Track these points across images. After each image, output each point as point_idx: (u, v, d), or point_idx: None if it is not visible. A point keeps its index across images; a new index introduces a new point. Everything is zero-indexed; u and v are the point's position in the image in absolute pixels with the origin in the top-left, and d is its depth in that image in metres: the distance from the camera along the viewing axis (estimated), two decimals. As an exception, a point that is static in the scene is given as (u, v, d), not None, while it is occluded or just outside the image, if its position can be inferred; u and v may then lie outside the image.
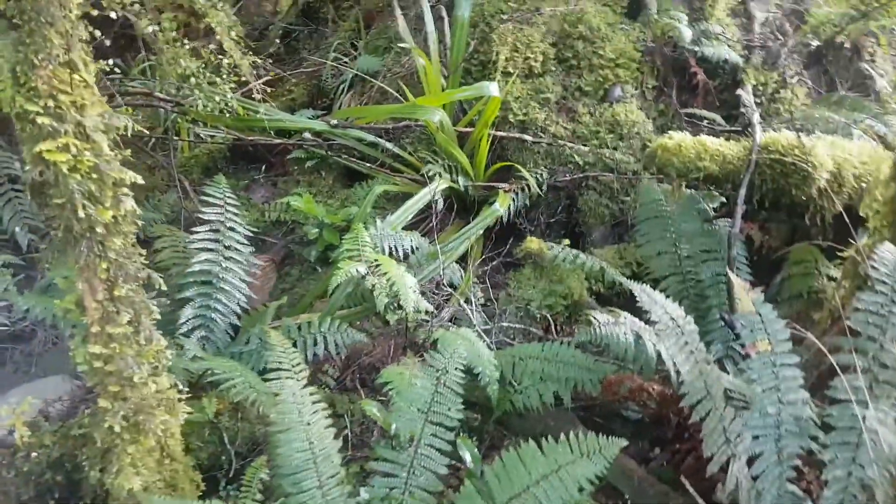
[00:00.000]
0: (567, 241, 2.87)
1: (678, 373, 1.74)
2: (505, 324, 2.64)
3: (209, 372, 2.18)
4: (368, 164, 3.27)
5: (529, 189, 2.99)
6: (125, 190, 1.36)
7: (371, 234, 2.68)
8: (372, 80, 3.34)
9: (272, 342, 1.85)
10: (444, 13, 3.43)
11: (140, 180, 1.38)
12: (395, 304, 2.60)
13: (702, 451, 1.66)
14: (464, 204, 3.15)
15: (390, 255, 2.70)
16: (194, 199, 3.39)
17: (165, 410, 1.54)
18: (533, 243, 2.76)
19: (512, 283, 2.81)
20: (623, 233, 3.04)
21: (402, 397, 1.96)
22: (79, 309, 1.42)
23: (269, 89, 3.17)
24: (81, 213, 1.28)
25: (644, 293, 1.73)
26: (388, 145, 3.22)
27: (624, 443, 1.68)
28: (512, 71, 3.19)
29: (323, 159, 3.53)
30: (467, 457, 1.97)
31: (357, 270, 2.55)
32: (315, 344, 2.40)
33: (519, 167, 2.98)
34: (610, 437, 1.66)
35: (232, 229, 2.64)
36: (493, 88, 2.77)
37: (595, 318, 1.90)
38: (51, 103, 1.24)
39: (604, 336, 1.88)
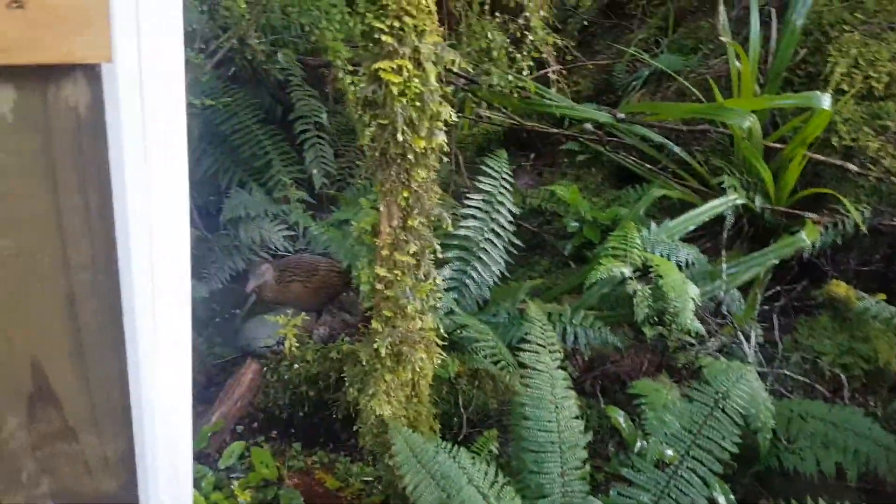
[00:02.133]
0: (882, 296, 2.36)
1: None
2: (785, 372, 2.25)
3: (458, 331, 2.18)
4: (648, 166, 3.05)
5: (844, 226, 2.52)
6: (440, 124, 1.36)
7: (642, 236, 2.48)
8: (674, 76, 3.10)
9: (532, 315, 1.76)
10: (772, 17, 3.06)
11: (455, 118, 1.37)
12: (656, 318, 2.38)
13: None
14: (754, 228, 2.78)
15: (660, 264, 2.46)
16: (464, 175, 3.49)
17: (424, 349, 1.54)
18: (839, 288, 2.32)
19: (802, 328, 2.40)
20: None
21: (661, 413, 1.76)
22: (373, 231, 1.46)
23: (562, 73, 3.12)
24: (400, 138, 1.30)
25: None
26: (677, 149, 2.96)
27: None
28: (847, 89, 2.73)
29: (596, 155, 3.39)
30: (721, 500, 1.71)
31: (620, 272, 2.37)
32: (564, 335, 2.27)
33: (840, 198, 2.52)
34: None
35: (502, 203, 2.63)
36: (824, 100, 2.37)
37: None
38: (396, 24, 1.26)
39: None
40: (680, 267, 2.48)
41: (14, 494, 1.00)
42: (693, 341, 2.32)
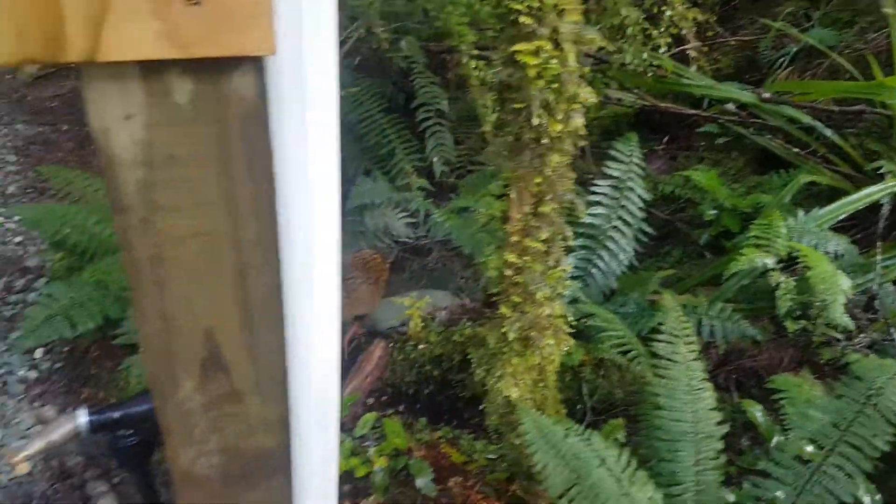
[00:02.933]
0: None
1: None
2: (949, 373, 2.03)
3: (583, 320, 2.15)
4: (795, 150, 2.83)
5: None
6: (578, 106, 1.34)
7: (788, 225, 2.32)
8: (827, 52, 2.85)
9: (666, 304, 1.70)
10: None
11: (595, 99, 1.34)
12: (799, 312, 2.23)
13: None
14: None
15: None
16: (590, 159, 3.41)
17: (552, 335, 1.53)
18: None
19: (970, 326, 2.15)
20: None
21: (803, 408, 1.66)
22: (502, 218, 1.48)
23: (702, 50, 2.95)
24: (535, 122, 1.29)
25: None
26: (828, 132, 2.73)
27: None
28: None
29: (737, 138, 3.19)
30: (867, 500, 1.59)
31: (763, 262, 2.23)
32: (699, 327, 2.18)
33: None
34: None
35: (632, 189, 2.55)
36: None
37: None
38: (535, 3, 1.25)
39: None
40: (829, 258, 2.30)
41: (187, 449, 1.12)
42: (840, 337, 2.15)
